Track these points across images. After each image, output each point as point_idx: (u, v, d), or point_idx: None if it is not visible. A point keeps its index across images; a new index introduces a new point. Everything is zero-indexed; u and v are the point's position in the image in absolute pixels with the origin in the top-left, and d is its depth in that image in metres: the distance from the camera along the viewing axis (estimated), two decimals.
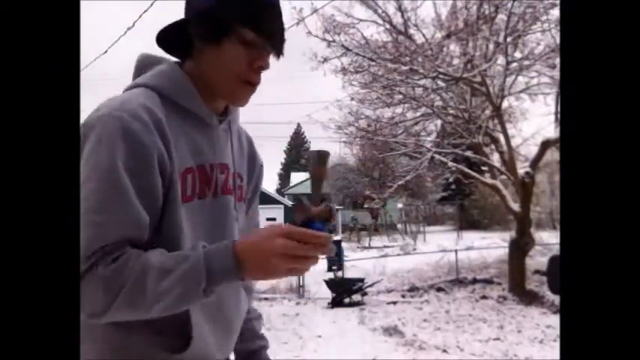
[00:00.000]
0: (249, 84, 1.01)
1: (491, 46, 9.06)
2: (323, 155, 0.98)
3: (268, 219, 22.45)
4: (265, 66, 1.00)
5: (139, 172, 0.88)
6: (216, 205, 1.03)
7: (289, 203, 25.51)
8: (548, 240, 13.31)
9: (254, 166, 1.23)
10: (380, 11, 9.59)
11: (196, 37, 0.99)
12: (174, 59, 1.07)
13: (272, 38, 0.99)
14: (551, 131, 9.20)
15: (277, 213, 23.43)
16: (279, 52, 1.01)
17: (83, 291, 0.82)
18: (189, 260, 0.85)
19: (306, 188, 33.58)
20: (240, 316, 1.18)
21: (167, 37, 1.04)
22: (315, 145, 54.64)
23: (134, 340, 0.95)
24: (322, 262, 11.13)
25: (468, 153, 10.62)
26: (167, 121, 0.95)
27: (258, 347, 1.28)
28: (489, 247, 13.97)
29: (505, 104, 10.17)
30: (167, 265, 0.85)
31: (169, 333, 0.96)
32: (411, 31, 9.52)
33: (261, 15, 0.97)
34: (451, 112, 10.45)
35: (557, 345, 5.82)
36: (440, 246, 14.98)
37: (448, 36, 9.28)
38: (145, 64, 1.05)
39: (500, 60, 9.17)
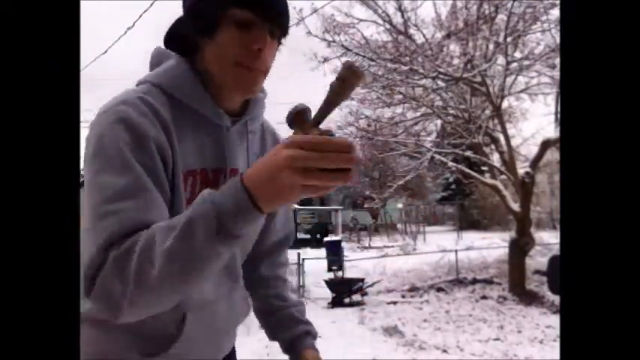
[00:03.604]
0: (248, 69, 0.91)
1: (491, 46, 9.06)
2: (357, 76, 0.73)
3: None
4: (263, 47, 0.89)
5: (146, 159, 0.84)
6: None
7: None
8: (548, 240, 13.31)
9: None
10: (380, 11, 9.60)
11: (193, 32, 0.93)
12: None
13: (267, 13, 0.88)
14: (551, 131, 9.21)
15: None
16: (281, 29, 0.91)
17: (102, 287, 0.76)
18: (193, 206, 0.73)
19: None
20: (235, 319, 1.16)
21: (172, 38, 1.01)
22: None
23: (109, 340, 0.94)
24: (322, 262, 11.13)
25: (468, 153, 10.62)
26: (173, 120, 0.91)
27: (300, 333, 1.21)
28: (489, 247, 13.97)
29: (505, 104, 10.18)
30: (173, 221, 0.74)
31: (150, 338, 0.95)
32: (411, 31, 9.53)
33: None
34: (451, 112, 10.46)
35: (557, 345, 5.82)
36: (440, 246, 14.98)
37: (448, 36, 9.29)
38: (157, 59, 1.00)
39: (500, 60, 9.18)
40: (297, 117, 0.75)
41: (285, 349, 1.22)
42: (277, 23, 0.91)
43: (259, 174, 0.70)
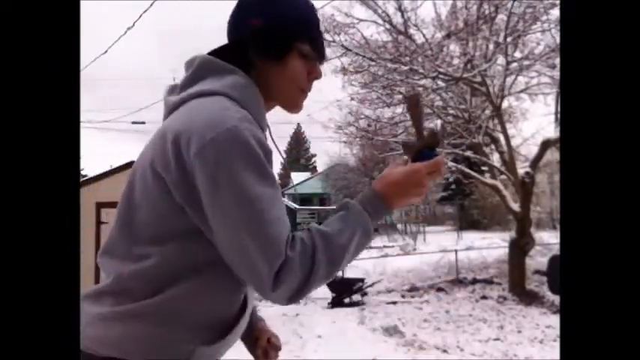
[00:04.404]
0: (305, 93, 1.13)
1: (491, 46, 9.06)
2: (412, 98, 1.09)
3: None
4: (319, 76, 1.13)
5: (272, 170, 0.98)
6: None
7: (289, 203, 25.48)
8: (548, 240, 13.31)
9: None
10: (380, 11, 9.59)
11: (257, 54, 1.06)
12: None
13: (323, 50, 1.13)
14: (551, 131, 9.21)
15: None
16: (324, 60, 1.15)
17: (282, 279, 0.90)
18: (354, 215, 0.99)
19: (307, 188, 33.69)
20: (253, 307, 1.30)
21: (220, 55, 1.07)
22: (314, 146, 54.36)
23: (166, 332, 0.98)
24: None
25: (468, 153, 10.62)
26: None
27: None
28: (489, 247, 13.98)
29: (505, 104, 10.18)
30: (335, 227, 0.97)
31: (211, 327, 1.02)
32: (411, 31, 9.52)
33: (315, 30, 1.10)
34: (451, 112, 10.46)
35: (557, 345, 5.83)
36: (440, 246, 14.98)
37: (448, 36, 9.29)
38: (209, 68, 1.06)
39: (500, 60, 9.18)
40: (406, 146, 1.08)
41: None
42: (324, 57, 1.15)
43: (396, 190, 1.03)
